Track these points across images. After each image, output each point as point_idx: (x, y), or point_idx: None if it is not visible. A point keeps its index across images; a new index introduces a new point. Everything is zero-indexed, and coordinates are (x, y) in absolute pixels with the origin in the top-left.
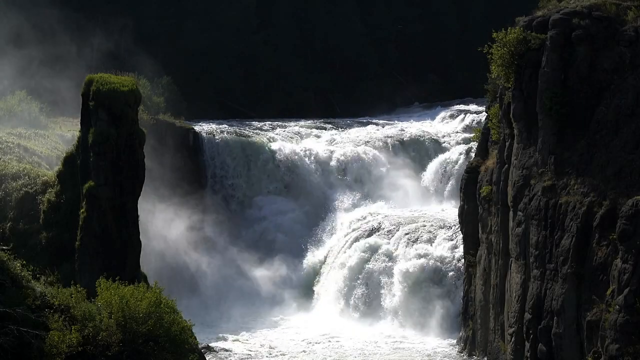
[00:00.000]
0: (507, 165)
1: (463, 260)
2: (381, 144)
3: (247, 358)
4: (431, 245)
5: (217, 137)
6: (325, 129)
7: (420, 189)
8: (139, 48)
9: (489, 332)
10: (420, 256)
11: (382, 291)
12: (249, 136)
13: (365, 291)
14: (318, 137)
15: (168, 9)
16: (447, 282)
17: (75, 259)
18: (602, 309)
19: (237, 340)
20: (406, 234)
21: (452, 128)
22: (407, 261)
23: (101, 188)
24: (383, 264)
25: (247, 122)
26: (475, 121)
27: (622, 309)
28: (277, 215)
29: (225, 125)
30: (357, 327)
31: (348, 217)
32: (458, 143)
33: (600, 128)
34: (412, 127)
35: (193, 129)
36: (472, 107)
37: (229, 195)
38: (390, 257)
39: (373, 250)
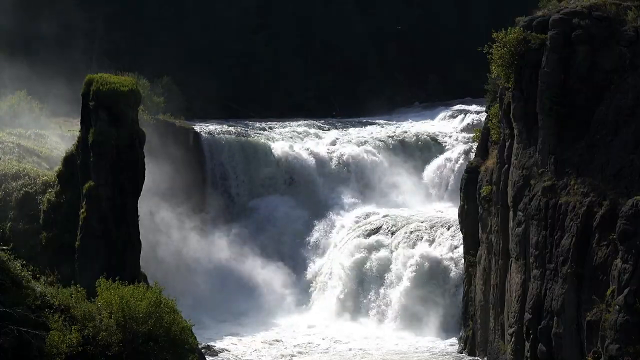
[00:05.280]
0: (507, 165)
1: (463, 260)
2: (381, 144)
3: (247, 358)
4: (431, 245)
5: (217, 137)
6: (325, 129)
7: (420, 189)
8: (139, 48)
9: (489, 332)
10: (420, 256)
11: (382, 291)
12: (249, 136)
13: (364, 291)
14: (318, 137)
15: (168, 8)
16: (447, 282)
17: (75, 259)
18: (602, 309)
19: (236, 340)
20: (406, 234)
21: (452, 128)
22: (407, 261)
23: (101, 188)
24: (383, 264)
25: (247, 122)
26: (475, 121)
27: (622, 309)
28: (277, 215)
29: (225, 125)
30: (357, 327)
31: (348, 217)
32: (458, 143)
33: (600, 128)
34: (412, 127)
35: (193, 129)
36: (472, 107)
37: (229, 195)
38: (390, 257)
39: (373, 250)
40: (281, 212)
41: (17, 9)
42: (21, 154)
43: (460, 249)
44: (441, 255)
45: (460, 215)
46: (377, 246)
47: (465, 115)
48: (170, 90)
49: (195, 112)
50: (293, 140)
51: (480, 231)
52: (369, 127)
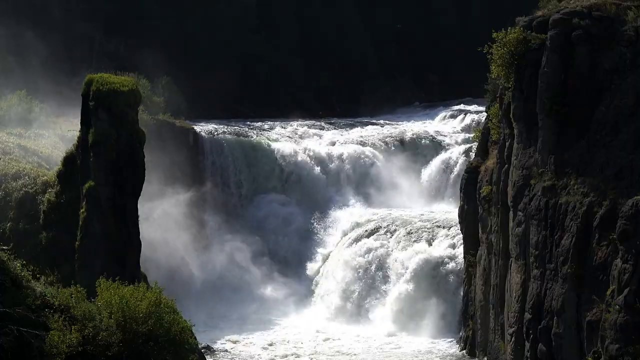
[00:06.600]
0: (507, 165)
1: (463, 260)
2: (381, 144)
3: (247, 358)
4: (431, 245)
5: (217, 137)
6: (325, 128)
7: (420, 189)
8: (139, 48)
9: (489, 332)
10: (419, 256)
11: (382, 291)
12: (249, 136)
13: (364, 291)
14: (318, 137)
15: (168, 8)
16: (447, 282)
17: (75, 259)
18: (602, 309)
19: (236, 340)
20: (406, 234)
21: (452, 128)
22: (407, 261)
23: (101, 188)
24: (382, 264)
25: (247, 122)
26: (475, 121)
27: (622, 309)
28: (277, 216)
29: (225, 125)
30: (357, 327)
31: (348, 217)
32: (458, 143)
33: (600, 128)
34: (412, 127)
35: (193, 129)
36: (472, 107)
37: (229, 195)
38: (389, 257)
39: (373, 250)
40: (281, 212)
41: (17, 8)
42: (21, 154)
43: (460, 249)
44: (441, 255)
45: (460, 215)
46: (377, 246)
47: (465, 115)
48: (170, 90)
49: (195, 112)
50: (293, 140)
51: (480, 231)
52: (369, 127)
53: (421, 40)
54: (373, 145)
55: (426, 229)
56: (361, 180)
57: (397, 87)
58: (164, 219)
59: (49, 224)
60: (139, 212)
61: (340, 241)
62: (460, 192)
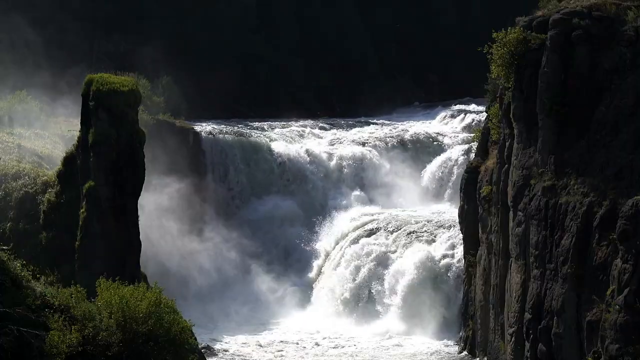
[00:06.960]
0: (507, 165)
1: (463, 260)
2: (381, 144)
3: (247, 358)
4: (431, 245)
5: (217, 137)
6: (325, 129)
7: (420, 189)
8: (139, 48)
9: (489, 332)
10: (419, 256)
11: (382, 291)
12: (249, 136)
13: (364, 291)
14: (318, 137)
15: (168, 8)
16: (447, 282)
17: (75, 259)
18: (602, 309)
19: (236, 340)
20: (406, 234)
21: (452, 128)
22: (407, 261)
23: (101, 188)
24: (382, 264)
25: (247, 122)
26: (475, 121)
27: (622, 309)
28: (277, 216)
29: (225, 125)
30: (356, 328)
31: (347, 217)
32: (458, 143)
33: (600, 128)
34: (412, 127)
35: (193, 129)
36: (472, 107)
37: (229, 195)
38: (389, 257)
39: (372, 250)
40: (281, 212)
41: (17, 8)
42: (21, 154)
43: (460, 249)
44: (441, 255)
45: (460, 215)
46: (377, 246)
47: (465, 115)
48: (170, 90)
49: (195, 112)
50: (293, 140)
51: (480, 231)
52: (368, 127)
53: (421, 40)
54: (373, 145)
55: (426, 229)
56: (361, 180)
57: (397, 87)
58: (163, 218)
59: (49, 224)
60: (138, 212)
61: (339, 241)
62: (460, 192)
